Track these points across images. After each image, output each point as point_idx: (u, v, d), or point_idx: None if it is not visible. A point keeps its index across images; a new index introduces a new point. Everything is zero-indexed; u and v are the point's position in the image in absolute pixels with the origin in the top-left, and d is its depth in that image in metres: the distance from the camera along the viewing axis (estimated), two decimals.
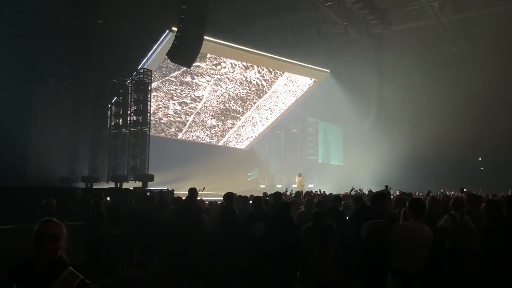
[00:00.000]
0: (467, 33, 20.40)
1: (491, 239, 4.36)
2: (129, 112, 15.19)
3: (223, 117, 23.17)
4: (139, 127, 14.90)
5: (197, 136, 23.34)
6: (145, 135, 14.94)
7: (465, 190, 11.54)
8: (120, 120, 15.35)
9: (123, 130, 15.26)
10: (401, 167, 21.76)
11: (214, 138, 24.09)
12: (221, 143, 24.62)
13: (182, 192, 12.44)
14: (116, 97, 15.65)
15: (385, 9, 18.50)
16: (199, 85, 20.57)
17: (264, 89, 22.86)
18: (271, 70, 21.85)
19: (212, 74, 20.37)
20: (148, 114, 15.12)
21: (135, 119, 14.93)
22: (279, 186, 23.51)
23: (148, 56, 16.77)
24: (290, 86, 23.52)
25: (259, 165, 26.05)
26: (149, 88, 15.27)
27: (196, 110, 21.70)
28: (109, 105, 16.17)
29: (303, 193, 12.51)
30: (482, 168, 24.96)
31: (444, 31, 19.87)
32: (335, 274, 5.50)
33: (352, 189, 12.37)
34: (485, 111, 22.18)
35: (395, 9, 18.66)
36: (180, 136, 22.44)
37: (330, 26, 19.71)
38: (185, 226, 7.30)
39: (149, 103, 15.19)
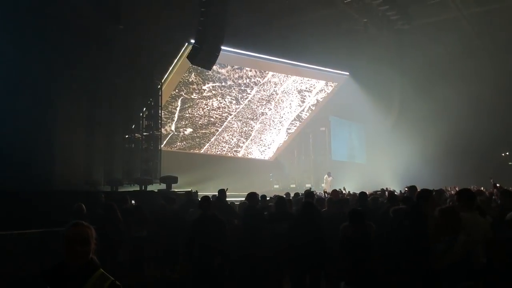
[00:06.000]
0: (491, 25, 19.89)
1: None
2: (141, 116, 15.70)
3: (251, 122, 23.07)
4: (151, 131, 15.33)
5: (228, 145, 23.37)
6: (157, 139, 15.49)
7: (498, 185, 11.25)
8: (133, 125, 15.89)
9: (136, 134, 15.73)
10: (426, 164, 21.39)
11: (239, 146, 24.04)
12: (244, 154, 24.57)
13: (205, 193, 12.51)
14: (128, 102, 16.03)
15: (405, 4, 18.18)
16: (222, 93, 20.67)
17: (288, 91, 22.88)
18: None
19: (235, 79, 20.42)
20: (160, 118, 15.63)
21: (147, 123, 15.44)
22: (292, 186, 23.43)
23: (170, 69, 17.26)
24: (317, 87, 23.46)
25: (274, 166, 25.88)
26: (160, 93, 15.72)
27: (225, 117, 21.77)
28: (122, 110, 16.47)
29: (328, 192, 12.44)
30: (510, 163, 24.33)
31: (467, 24, 19.43)
32: (374, 273, 5.35)
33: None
34: None
35: (416, 3, 18.30)
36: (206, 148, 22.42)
37: (349, 23, 19.49)
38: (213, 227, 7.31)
39: (160, 107, 15.66)
